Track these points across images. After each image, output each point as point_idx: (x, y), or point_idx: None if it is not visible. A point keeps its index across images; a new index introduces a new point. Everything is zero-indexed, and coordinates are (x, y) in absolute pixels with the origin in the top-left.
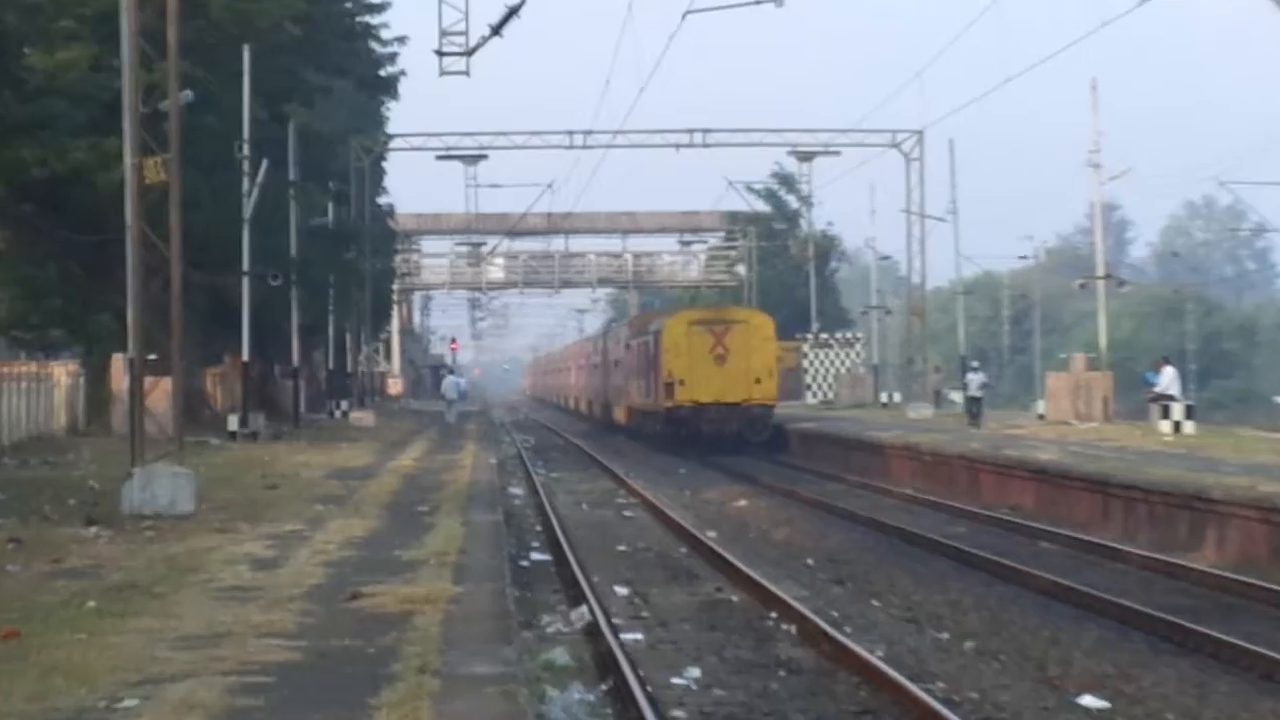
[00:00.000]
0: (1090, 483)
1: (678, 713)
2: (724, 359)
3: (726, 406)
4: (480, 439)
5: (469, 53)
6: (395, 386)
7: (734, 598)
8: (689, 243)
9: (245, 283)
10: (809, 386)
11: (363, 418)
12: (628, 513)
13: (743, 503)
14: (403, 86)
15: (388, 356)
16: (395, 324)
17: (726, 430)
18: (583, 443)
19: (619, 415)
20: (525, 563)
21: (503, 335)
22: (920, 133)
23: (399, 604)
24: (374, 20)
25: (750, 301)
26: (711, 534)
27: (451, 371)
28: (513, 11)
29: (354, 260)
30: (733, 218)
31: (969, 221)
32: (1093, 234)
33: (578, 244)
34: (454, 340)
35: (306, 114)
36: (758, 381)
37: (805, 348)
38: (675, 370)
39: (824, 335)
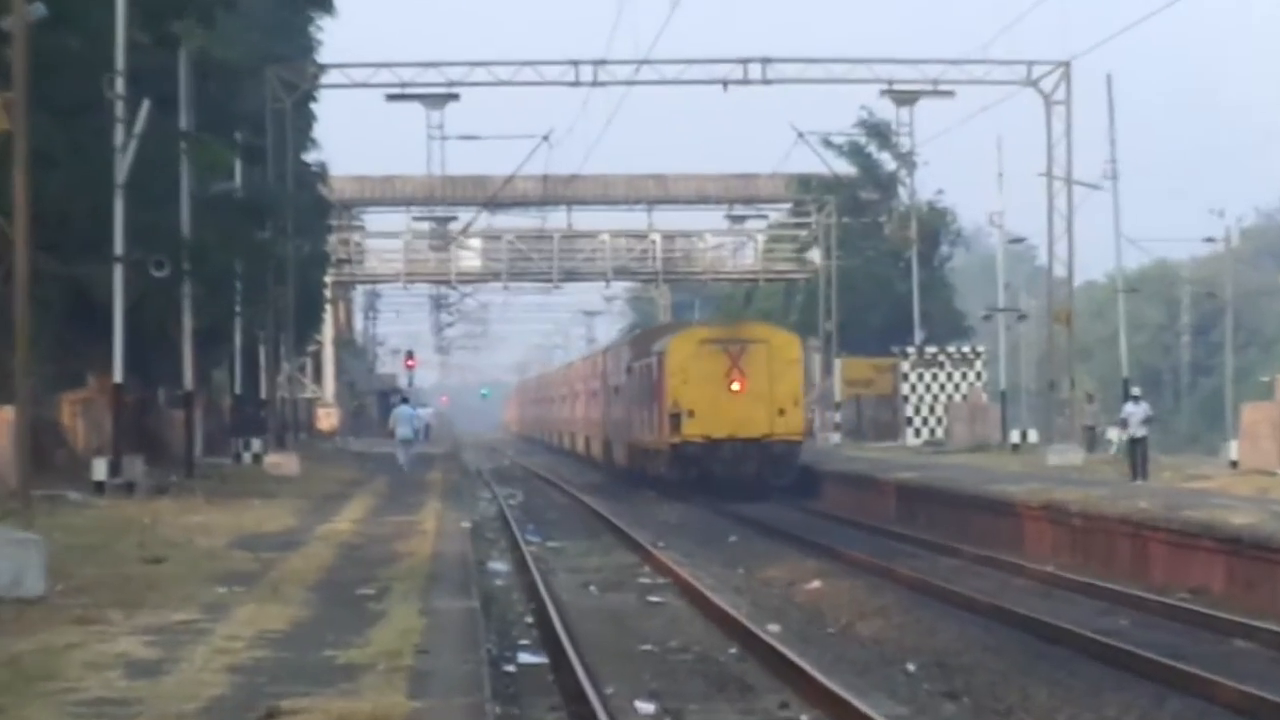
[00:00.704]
0: None
1: None
2: (741, 386)
3: (744, 443)
4: (448, 493)
5: None
6: (328, 419)
7: (804, 718)
8: (741, 218)
9: (118, 273)
10: (910, 421)
11: (283, 463)
12: (655, 597)
13: (817, 584)
14: None
15: (318, 378)
16: (329, 332)
17: (744, 472)
18: (591, 499)
19: (619, 455)
20: (511, 667)
21: (480, 348)
22: (1066, 65)
23: None
24: None
25: (830, 302)
26: (774, 628)
27: (405, 400)
28: None
29: (271, 242)
30: (803, 184)
31: (1133, 191)
32: None
33: (586, 220)
34: (410, 355)
35: (204, 36)
36: (781, 413)
37: (905, 367)
38: (682, 399)
39: (931, 350)
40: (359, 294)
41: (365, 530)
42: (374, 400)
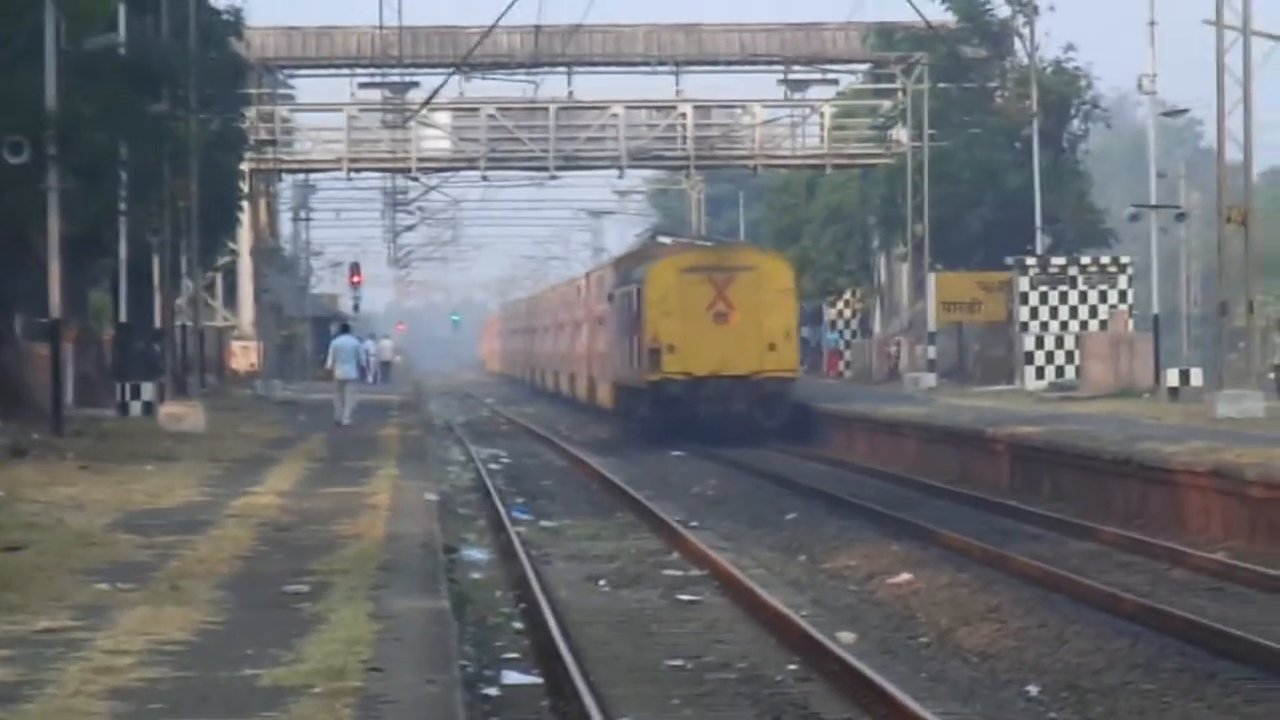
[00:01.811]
0: None
1: None
2: (727, 317)
3: (730, 380)
4: (407, 455)
5: None
6: (246, 357)
7: None
8: (802, 84)
9: None
10: (1029, 357)
11: (184, 415)
12: (686, 595)
13: (905, 576)
14: None
15: (231, 302)
16: (246, 240)
17: (731, 412)
18: (599, 462)
19: (602, 395)
20: (494, 690)
21: (449, 260)
22: None
23: None
24: None
25: (921, 197)
26: (847, 637)
27: (347, 328)
28: None
29: (167, 117)
30: (885, 38)
31: None
32: None
33: (592, 86)
34: (356, 269)
35: None
36: (771, 348)
37: (1023, 284)
38: (662, 332)
39: (1058, 262)
40: (287, 187)
41: (296, 505)
42: (308, 330)
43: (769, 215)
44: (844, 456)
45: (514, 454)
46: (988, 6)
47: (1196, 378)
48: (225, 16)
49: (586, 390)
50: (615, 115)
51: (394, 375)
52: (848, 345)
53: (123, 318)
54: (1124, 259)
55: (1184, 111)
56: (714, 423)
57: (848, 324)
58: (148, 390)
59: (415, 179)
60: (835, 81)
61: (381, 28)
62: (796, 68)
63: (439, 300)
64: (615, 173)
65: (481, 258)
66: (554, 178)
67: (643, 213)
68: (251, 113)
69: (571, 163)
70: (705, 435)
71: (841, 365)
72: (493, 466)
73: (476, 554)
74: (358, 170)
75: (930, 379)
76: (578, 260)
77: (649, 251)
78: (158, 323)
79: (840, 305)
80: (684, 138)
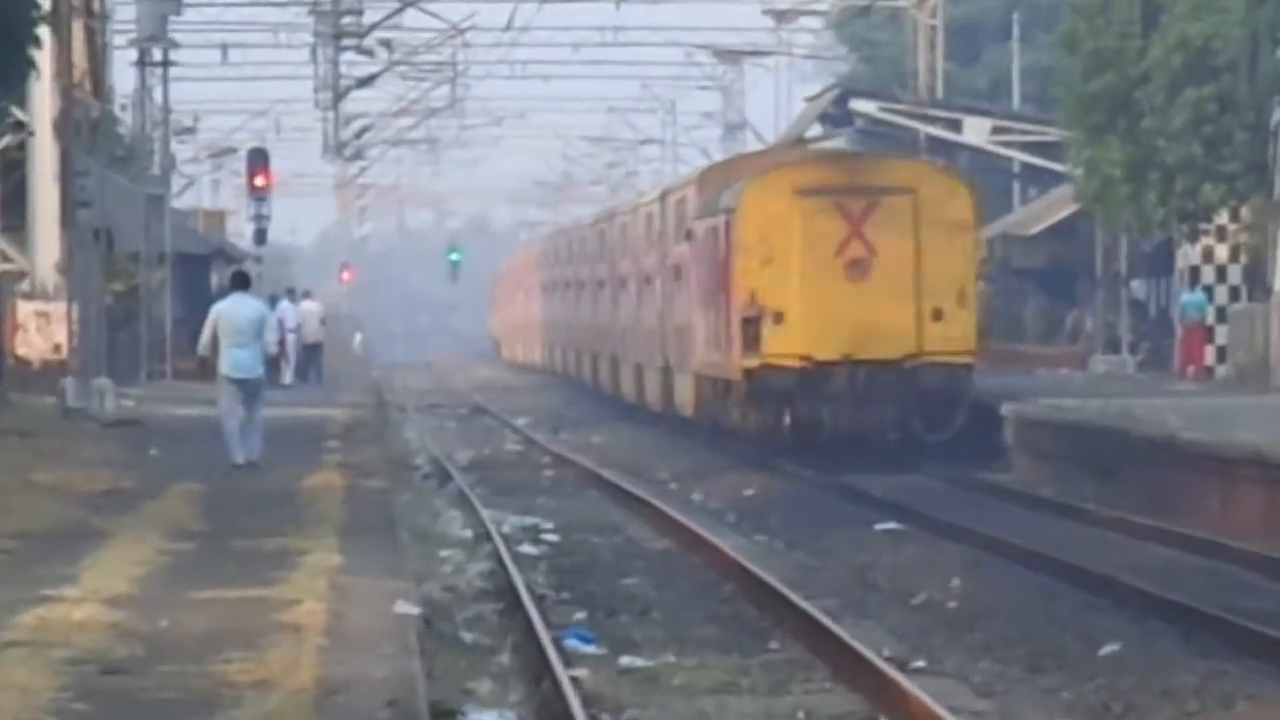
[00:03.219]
0: None
1: None
2: (867, 269)
3: (871, 368)
4: (358, 525)
5: None
6: (47, 334)
7: None
8: None
9: None
10: None
11: None
12: None
13: None
14: None
15: (16, 225)
16: (45, 100)
17: (870, 419)
18: (737, 543)
19: (682, 395)
20: None
21: (444, 150)
22: None
23: None
24: None
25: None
26: None
27: (244, 280)
28: None
29: None
30: None
31: None
32: None
33: None
34: (260, 161)
35: None
36: (937, 316)
37: None
38: (763, 292)
39: None
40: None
41: (143, 624)
42: (167, 282)
43: (1068, 62)
44: (1216, 533)
45: (566, 523)
46: None
47: None
48: None
49: (660, 389)
50: None
51: (344, 365)
52: (1221, 317)
53: None
54: None
55: None
56: (845, 435)
57: (1222, 276)
58: None
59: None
60: None
61: None
62: None
63: (422, 224)
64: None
65: (506, 143)
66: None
67: (821, 54)
68: None
69: None
70: (833, 454)
71: (1210, 354)
72: (526, 548)
73: None
74: None
75: None
76: (692, 152)
77: (744, 162)
78: None
79: (1208, 241)
80: None
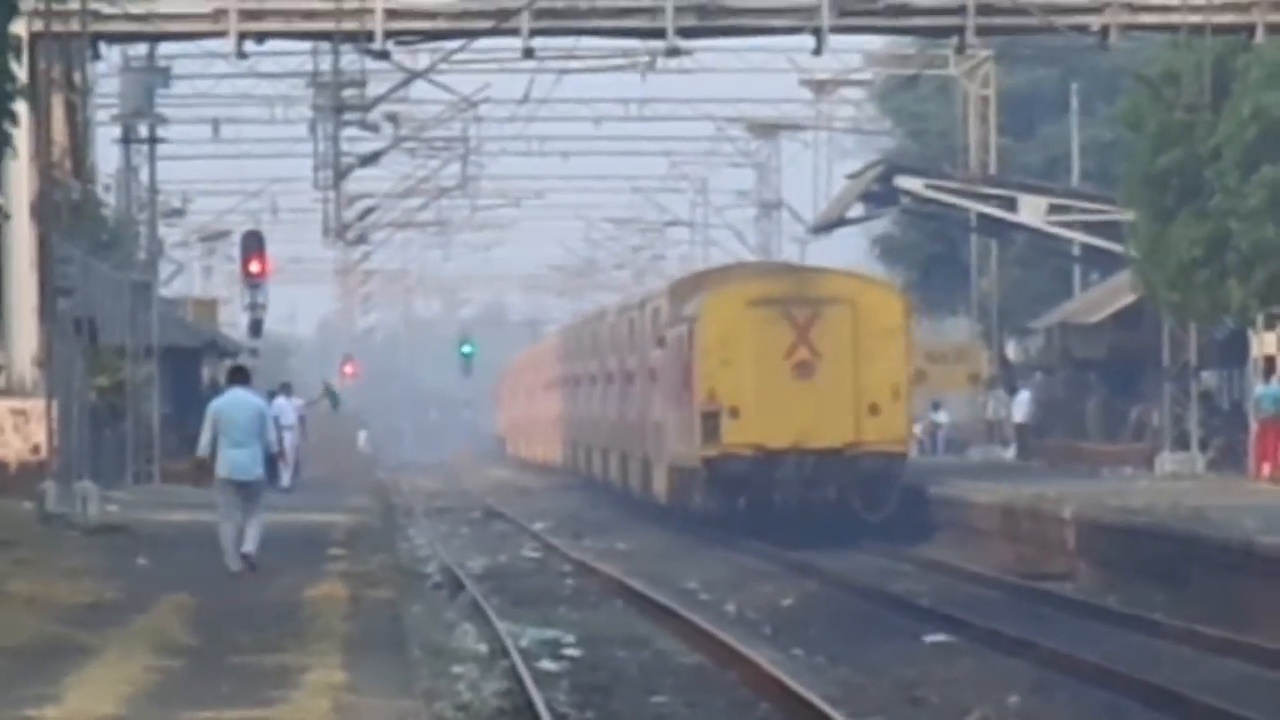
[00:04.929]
0: None
1: None
2: (811, 369)
3: (817, 456)
4: (363, 641)
5: None
6: (24, 435)
7: None
8: None
9: None
10: None
11: None
12: None
13: None
14: None
15: None
16: (21, 181)
17: (816, 498)
18: (775, 657)
19: (658, 481)
20: None
21: (454, 234)
22: None
23: None
24: None
25: None
26: None
27: (243, 375)
28: None
29: None
30: None
31: None
32: None
33: None
34: (255, 246)
35: None
36: (873, 410)
37: None
38: (721, 389)
39: None
40: (111, 73)
41: None
42: (154, 378)
43: (1131, 137)
44: None
45: (588, 637)
46: None
47: None
48: None
49: (640, 477)
50: None
51: (348, 466)
52: None
53: None
54: None
55: None
56: (793, 515)
57: None
58: None
59: (384, 54)
60: None
61: None
62: None
63: (431, 314)
64: (805, 44)
65: (522, 225)
66: (674, 53)
67: (863, 127)
68: None
69: (711, 21)
70: (779, 533)
71: None
72: (546, 664)
73: None
74: (259, 35)
75: None
76: (724, 234)
77: (704, 277)
78: None
79: None
80: None
